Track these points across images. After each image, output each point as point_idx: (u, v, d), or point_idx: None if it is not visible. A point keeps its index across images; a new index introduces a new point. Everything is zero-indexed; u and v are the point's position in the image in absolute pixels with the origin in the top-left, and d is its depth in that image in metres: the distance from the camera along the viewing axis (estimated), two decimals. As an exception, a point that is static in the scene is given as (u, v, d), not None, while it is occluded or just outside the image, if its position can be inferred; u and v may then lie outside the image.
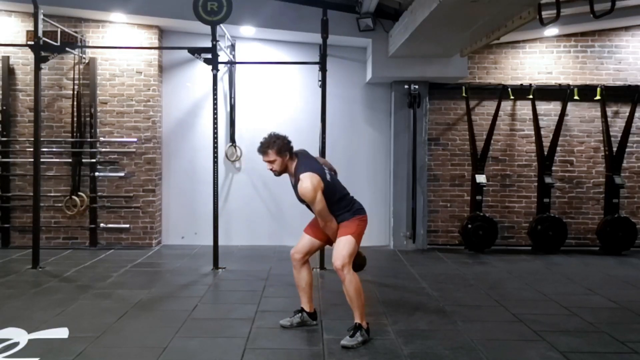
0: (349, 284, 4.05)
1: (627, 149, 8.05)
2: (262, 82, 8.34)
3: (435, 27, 6.01)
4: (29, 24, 7.68)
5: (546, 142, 8.07)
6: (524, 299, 5.46)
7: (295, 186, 4.15)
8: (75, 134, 7.87)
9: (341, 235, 4.11)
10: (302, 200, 4.12)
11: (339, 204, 4.18)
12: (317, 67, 7.05)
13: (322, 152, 6.58)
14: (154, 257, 7.48)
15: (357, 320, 4.09)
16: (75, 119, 7.84)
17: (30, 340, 4.08)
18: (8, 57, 7.87)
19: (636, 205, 8.37)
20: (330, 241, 4.32)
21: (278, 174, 4.20)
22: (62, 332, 4.25)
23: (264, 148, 4.13)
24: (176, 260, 7.20)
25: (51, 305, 5.01)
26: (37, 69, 6.65)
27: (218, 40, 6.70)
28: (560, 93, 8.17)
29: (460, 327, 4.51)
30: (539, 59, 8.30)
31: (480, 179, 7.93)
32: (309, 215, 4.39)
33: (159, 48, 8.01)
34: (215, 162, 6.68)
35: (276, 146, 4.10)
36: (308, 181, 3.99)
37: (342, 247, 4.08)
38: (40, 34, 6.58)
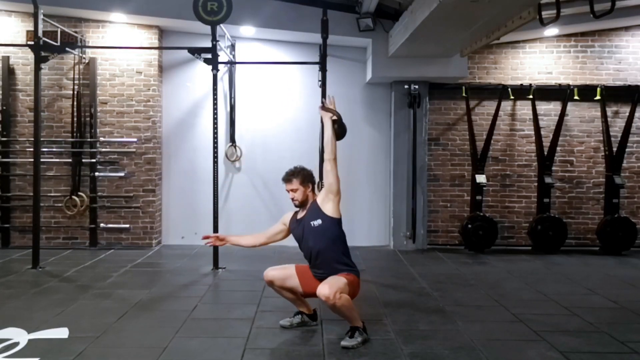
0: (340, 307, 3.89)
1: (627, 149, 8.05)
2: (262, 82, 8.34)
3: (435, 27, 6.01)
4: (29, 24, 7.68)
5: (546, 142, 8.07)
6: (524, 299, 5.46)
7: (306, 220, 4.12)
8: (75, 134, 7.87)
9: (340, 275, 4.00)
10: (306, 235, 4.13)
11: (344, 247, 4.15)
12: (317, 67, 7.06)
13: (322, 152, 6.58)
14: (154, 257, 7.48)
15: (352, 324, 4.05)
16: (75, 119, 7.84)
17: (30, 340, 4.08)
18: (8, 57, 7.87)
19: (636, 205, 8.37)
20: (308, 295, 4.20)
21: (299, 204, 4.18)
22: (62, 332, 4.25)
23: (288, 176, 4.17)
24: (176, 260, 7.19)
25: (51, 305, 5.01)
26: (37, 69, 6.65)
27: (218, 40, 6.70)
28: (560, 93, 8.17)
29: (460, 327, 4.51)
30: (539, 59, 8.30)
31: (480, 179, 7.93)
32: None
33: (159, 48, 8.01)
34: (215, 162, 6.68)
35: (300, 176, 4.16)
36: None
37: (336, 281, 3.92)
38: (40, 34, 6.58)
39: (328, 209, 4.09)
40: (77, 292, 5.50)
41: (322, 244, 4.07)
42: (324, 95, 6.71)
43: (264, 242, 4.49)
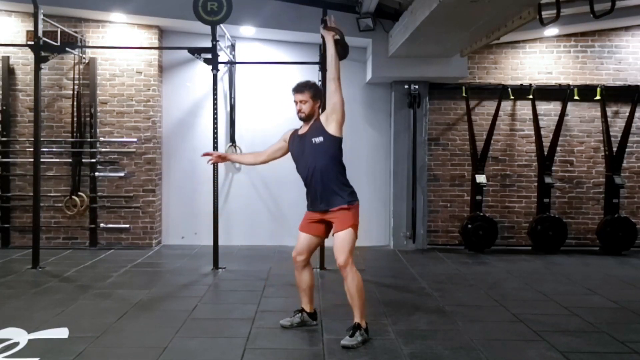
0: (351, 281, 4.02)
1: (627, 149, 8.05)
2: (262, 82, 8.34)
3: (435, 27, 6.01)
4: (29, 24, 7.68)
5: (546, 142, 8.07)
6: (524, 299, 5.46)
7: (307, 136, 4.14)
8: (75, 134, 7.87)
9: (340, 228, 4.06)
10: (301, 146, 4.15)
11: (342, 168, 4.18)
12: (317, 67, 7.06)
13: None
14: (154, 257, 7.48)
15: (357, 319, 4.07)
16: (75, 119, 7.84)
17: (30, 340, 4.08)
18: (8, 57, 7.87)
19: (636, 205, 8.37)
20: (327, 233, 4.27)
21: (305, 117, 4.17)
22: (62, 332, 4.25)
23: (300, 87, 4.18)
24: (176, 260, 7.20)
25: (51, 305, 5.01)
26: (37, 69, 6.64)
27: (218, 40, 6.70)
28: (560, 93, 8.17)
29: (460, 327, 4.51)
30: (539, 59, 8.30)
31: (480, 179, 7.93)
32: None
33: (159, 48, 8.01)
34: (215, 162, 6.67)
35: (313, 89, 4.18)
36: None
37: (343, 242, 4.03)
38: (40, 34, 6.58)
39: (331, 128, 4.10)
40: (77, 292, 5.50)
41: (321, 162, 4.08)
42: (324, 95, 6.70)
43: (265, 160, 4.51)
